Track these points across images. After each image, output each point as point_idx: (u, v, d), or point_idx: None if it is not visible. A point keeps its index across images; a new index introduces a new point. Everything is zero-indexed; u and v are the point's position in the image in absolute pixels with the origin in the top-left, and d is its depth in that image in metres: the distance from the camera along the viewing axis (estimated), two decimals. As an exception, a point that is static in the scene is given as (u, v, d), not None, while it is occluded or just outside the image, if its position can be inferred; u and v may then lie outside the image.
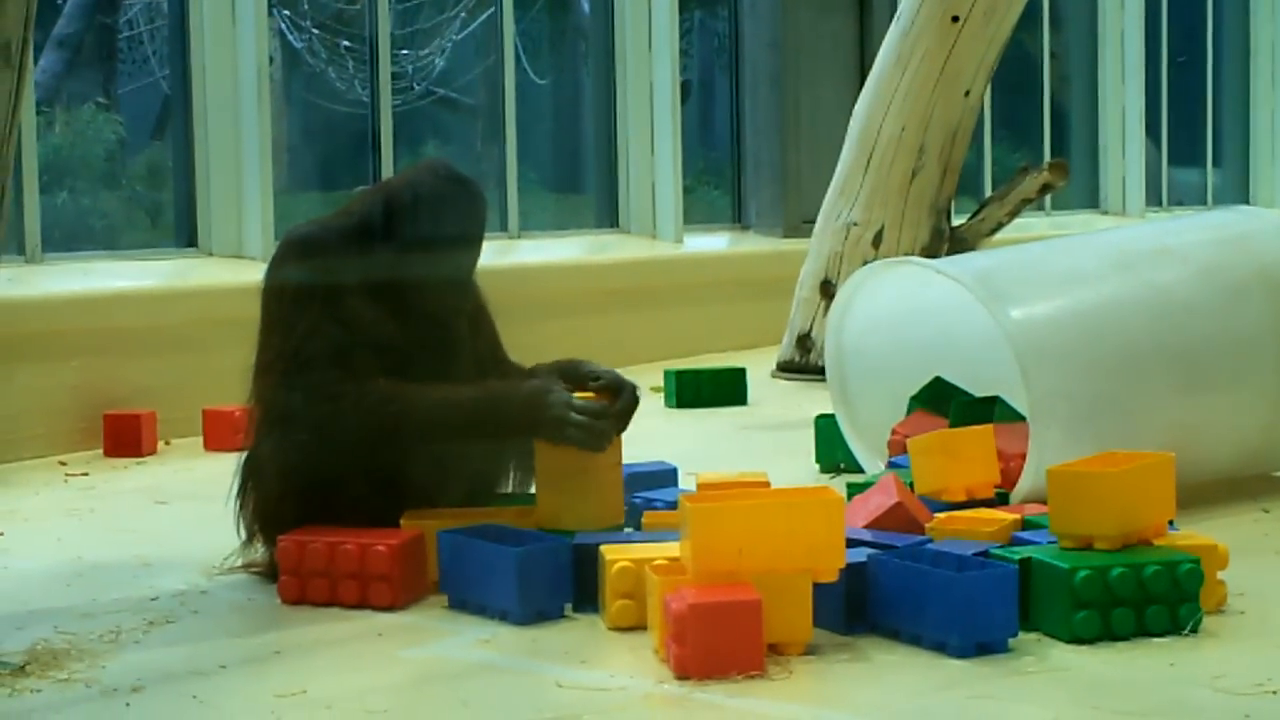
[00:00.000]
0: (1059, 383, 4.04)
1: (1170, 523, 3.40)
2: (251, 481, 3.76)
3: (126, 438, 5.78)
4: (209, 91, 7.08)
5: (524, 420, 3.62)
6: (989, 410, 4.42)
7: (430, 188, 3.79)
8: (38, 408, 5.73)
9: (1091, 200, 13.51)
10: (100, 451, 5.80)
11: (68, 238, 7.19)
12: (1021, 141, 12.80)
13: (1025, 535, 3.51)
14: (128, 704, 2.90)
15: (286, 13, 8.71)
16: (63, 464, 5.62)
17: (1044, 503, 3.54)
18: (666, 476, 4.25)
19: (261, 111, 7.06)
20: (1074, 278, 4.32)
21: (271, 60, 7.40)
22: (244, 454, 3.81)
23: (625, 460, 3.76)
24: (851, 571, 3.17)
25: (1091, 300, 4.26)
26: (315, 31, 8.96)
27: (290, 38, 8.86)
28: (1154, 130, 13.95)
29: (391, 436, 3.59)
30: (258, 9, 7.08)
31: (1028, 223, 10.18)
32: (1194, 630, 3.17)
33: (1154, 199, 13.96)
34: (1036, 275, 4.35)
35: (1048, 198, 10.87)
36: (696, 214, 9.93)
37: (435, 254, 3.76)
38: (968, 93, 7.49)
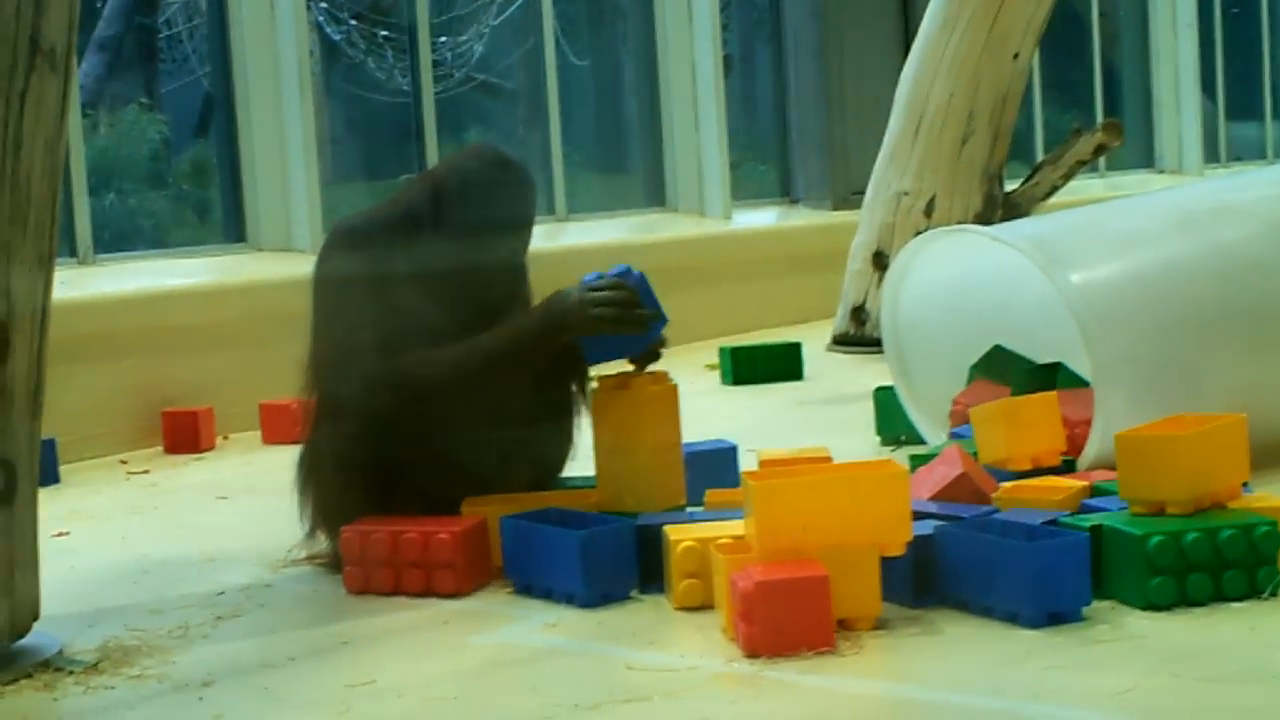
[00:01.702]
0: (1122, 346, 3.99)
1: (1244, 485, 3.35)
2: (311, 474, 3.76)
3: (185, 434, 5.80)
4: (251, 87, 7.08)
5: (550, 328, 3.57)
6: (1051, 377, 4.37)
7: (477, 172, 3.77)
8: (97, 408, 5.76)
9: (1147, 159, 13.39)
10: (160, 449, 5.83)
11: (117, 238, 7.22)
12: (1073, 102, 12.70)
13: (1094, 502, 3.46)
14: (200, 698, 2.91)
15: (324, 4, 8.71)
16: (124, 462, 5.65)
17: (1112, 468, 3.50)
18: (726, 455, 4.22)
19: (304, 105, 7.07)
20: (1134, 239, 4.27)
21: (311, 53, 7.40)
22: (302, 447, 3.81)
23: (684, 439, 3.74)
24: (919, 544, 3.14)
25: (1153, 261, 4.21)
26: (353, 23, 8.96)
27: (328, 30, 8.86)
28: (1209, 85, 13.79)
29: (432, 398, 3.56)
30: (295, 2, 7.08)
31: (1082, 185, 10.10)
32: (1273, 594, 3.12)
33: (1212, 155, 13.81)
34: (1095, 239, 4.30)
35: (1102, 159, 10.76)
36: (744, 189, 9.89)
37: (485, 239, 3.74)
38: (1016, 55, 7.42)
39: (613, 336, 3.59)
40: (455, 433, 3.62)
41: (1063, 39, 12.04)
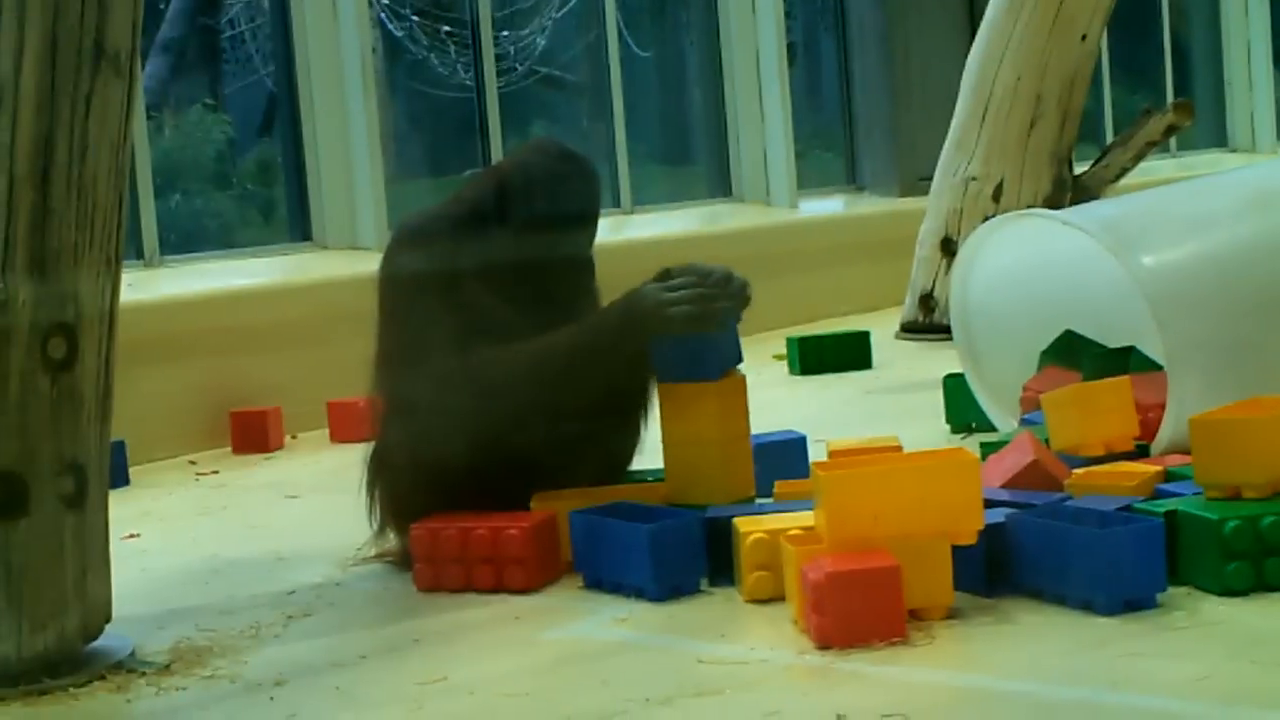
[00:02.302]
0: (1196, 329, 3.94)
1: (1321, 467, 3.30)
2: (379, 472, 3.76)
3: (253, 434, 5.82)
4: (314, 86, 7.11)
5: (626, 329, 3.56)
6: (1124, 361, 4.33)
7: (541, 167, 3.77)
8: (165, 409, 5.78)
9: (1219, 139, 13.24)
10: (228, 449, 5.85)
11: (183, 239, 7.26)
12: (1141, 82, 12.57)
13: (1169, 487, 3.42)
14: (271, 698, 2.91)
15: (385, 1, 8.73)
16: (193, 463, 5.68)
17: (1186, 453, 3.46)
18: (795, 446, 4.20)
19: (368, 102, 7.08)
20: (1206, 220, 4.21)
21: (373, 50, 7.43)
22: (371, 445, 3.81)
23: (752, 430, 3.72)
24: (990, 532, 3.11)
25: (1226, 242, 4.15)
26: (415, 19, 8.97)
27: (390, 26, 8.88)
28: (1283, 61, 13.61)
29: (505, 396, 3.55)
30: (357, 0, 7.09)
31: (1153, 166, 9.99)
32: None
33: (1285, 133, 13.64)
34: (1167, 220, 4.24)
35: (1173, 139, 10.64)
36: (809, 178, 9.84)
37: (551, 233, 3.74)
38: (1084, 36, 7.36)
39: (688, 360, 3.57)
40: (525, 429, 3.62)
41: (1131, 17, 11.91)
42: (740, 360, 3.68)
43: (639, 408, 3.83)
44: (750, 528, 3.27)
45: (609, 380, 3.65)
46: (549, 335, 3.59)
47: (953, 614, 3.03)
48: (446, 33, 8.91)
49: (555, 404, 3.60)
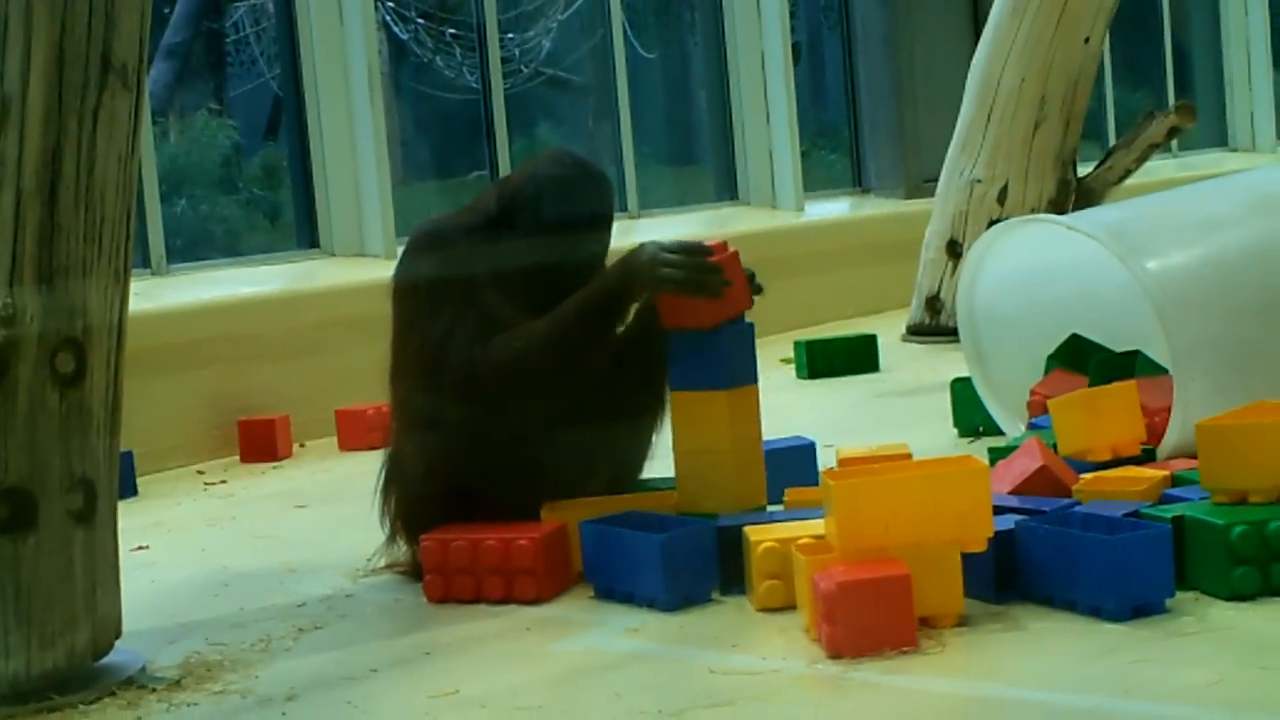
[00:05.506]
0: (1201, 332, 3.94)
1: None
2: (394, 482, 3.76)
3: (262, 443, 5.81)
4: (320, 89, 7.10)
5: (623, 285, 3.57)
6: (1130, 365, 4.33)
7: (555, 176, 3.77)
8: (174, 418, 5.78)
9: (1220, 138, 13.22)
10: (237, 458, 5.84)
11: (189, 246, 7.26)
12: (1143, 82, 12.56)
13: (1176, 492, 3.43)
14: (283, 713, 2.92)
15: (391, 4, 8.73)
16: (201, 473, 5.67)
17: (1193, 457, 3.46)
18: (804, 452, 4.20)
19: (374, 105, 7.08)
20: (1210, 224, 4.21)
21: (379, 53, 7.42)
22: (385, 454, 3.81)
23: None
24: (1000, 539, 3.12)
25: (1230, 246, 4.15)
26: (420, 21, 8.97)
27: (396, 29, 8.89)
28: (1282, 60, 13.60)
29: (527, 374, 3.55)
30: (363, 3, 7.09)
31: (1155, 166, 9.97)
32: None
33: (1285, 133, 13.62)
34: (1171, 225, 4.25)
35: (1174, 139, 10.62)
36: (814, 179, 9.84)
37: (566, 242, 3.74)
38: (1087, 39, 7.36)
39: (700, 368, 3.57)
40: (542, 426, 3.62)
41: (1132, 19, 11.90)
42: (755, 380, 3.67)
43: (651, 413, 3.83)
44: (761, 537, 3.28)
45: (616, 336, 3.65)
46: (559, 306, 3.59)
47: (963, 621, 3.04)
48: (452, 35, 8.91)
49: (572, 382, 3.60)
